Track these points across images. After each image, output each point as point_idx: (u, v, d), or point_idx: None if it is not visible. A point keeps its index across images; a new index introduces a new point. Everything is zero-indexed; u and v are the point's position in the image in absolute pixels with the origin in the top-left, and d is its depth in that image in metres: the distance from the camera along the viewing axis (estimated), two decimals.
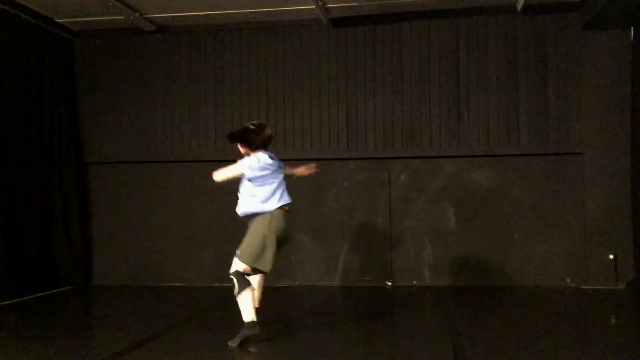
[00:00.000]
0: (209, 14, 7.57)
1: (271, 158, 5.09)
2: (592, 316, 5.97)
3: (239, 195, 5.16)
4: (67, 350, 4.76)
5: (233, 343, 4.84)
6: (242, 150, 5.23)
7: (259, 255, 4.91)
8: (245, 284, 4.91)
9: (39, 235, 7.38)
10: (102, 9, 7.25)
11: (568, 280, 7.38)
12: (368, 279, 7.70)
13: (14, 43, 7.04)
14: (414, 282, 7.63)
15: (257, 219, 5.00)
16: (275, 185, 5.05)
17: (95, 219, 8.22)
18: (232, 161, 8.04)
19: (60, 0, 7.12)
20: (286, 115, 7.86)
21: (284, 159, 7.72)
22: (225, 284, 7.83)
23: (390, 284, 7.64)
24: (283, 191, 5.10)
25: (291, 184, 7.73)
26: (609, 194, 7.23)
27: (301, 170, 5.62)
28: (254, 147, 5.10)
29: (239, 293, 4.90)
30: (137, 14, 7.43)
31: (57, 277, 7.66)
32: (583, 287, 7.24)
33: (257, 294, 5.24)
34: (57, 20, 7.77)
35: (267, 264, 4.93)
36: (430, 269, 7.62)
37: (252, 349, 4.85)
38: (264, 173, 5.00)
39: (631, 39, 7.13)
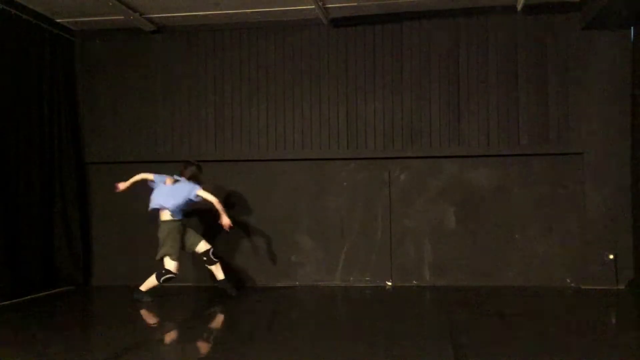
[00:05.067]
0: (209, 14, 7.57)
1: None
2: (592, 316, 5.97)
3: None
4: (67, 350, 4.76)
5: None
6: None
7: None
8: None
9: (39, 235, 7.38)
10: (102, 9, 7.26)
11: (568, 280, 7.38)
12: (368, 279, 7.70)
13: (14, 43, 7.03)
14: (414, 282, 7.63)
15: None
16: None
17: (95, 219, 8.22)
18: (232, 161, 8.13)
19: (60, 0, 7.12)
20: (286, 115, 7.86)
21: (284, 159, 7.82)
22: None
23: (390, 284, 7.64)
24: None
25: (290, 183, 7.77)
26: (609, 194, 7.23)
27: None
28: None
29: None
30: (137, 14, 7.44)
31: (57, 277, 7.67)
32: (583, 287, 7.24)
33: None
34: (57, 20, 7.77)
35: None
36: (430, 269, 7.62)
37: (252, 349, 4.84)
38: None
39: (631, 39, 7.13)
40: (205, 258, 6.96)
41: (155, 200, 6.85)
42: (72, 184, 7.89)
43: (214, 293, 7.38)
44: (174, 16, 7.66)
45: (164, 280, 6.70)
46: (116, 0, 6.98)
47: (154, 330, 5.34)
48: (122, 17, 7.50)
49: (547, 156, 7.46)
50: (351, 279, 7.73)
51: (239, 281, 7.83)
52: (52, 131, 7.67)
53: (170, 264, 6.68)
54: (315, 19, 7.56)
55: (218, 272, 7.03)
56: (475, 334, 5.06)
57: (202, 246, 6.97)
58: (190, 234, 7.00)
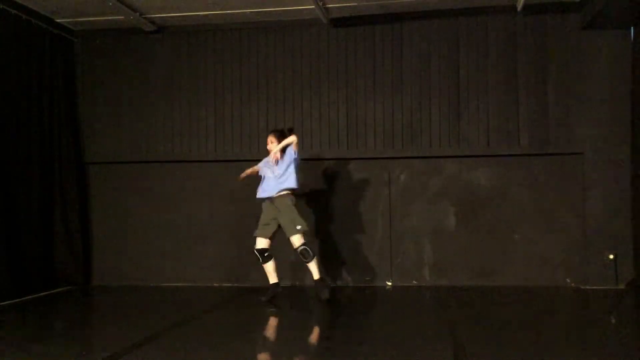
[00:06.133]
0: (209, 14, 7.57)
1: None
2: (592, 316, 5.97)
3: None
4: (67, 350, 4.76)
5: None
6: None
7: None
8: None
9: (39, 235, 7.38)
10: (102, 9, 7.26)
11: (568, 280, 7.38)
12: (368, 278, 7.70)
13: (14, 43, 7.04)
14: (414, 282, 7.64)
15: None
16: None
17: (95, 219, 8.22)
18: (232, 161, 8.12)
19: (60, 0, 7.12)
20: (286, 115, 7.86)
21: None
22: (224, 284, 7.84)
23: (390, 284, 7.64)
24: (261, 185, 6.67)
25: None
26: (609, 194, 7.23)
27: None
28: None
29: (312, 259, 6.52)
30: (137, 14, 7.44)
31: (57, 277, 7.66)
32: (583, 287, 7.24)
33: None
34: (57, 20, 7.77)
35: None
36: (430, 269, 7.62)
37: (250, 350, 4.85)
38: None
39: (631, 39, 7.13)
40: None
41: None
42: (72, 184, 7.89)
43: (215, 293, 7.39)
44: (174, 16, 7.66)
45: (306, 253, 6.43)
46: (116, 0, 6.98)
47: (153, 330, 5.34)
48: (122, 17, 7.50)
49: (547, 156, 7.46)
50: (351, 279, 7.73)
51: (237, 280, 7.85)
52: (52, 131, 7.67)
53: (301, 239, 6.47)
54: (315, 19, 7.56)
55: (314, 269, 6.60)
56: (475, 334, 5.06)
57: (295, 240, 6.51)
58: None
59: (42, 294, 7.23)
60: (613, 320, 5.98)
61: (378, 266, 7.69)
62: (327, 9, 7.28)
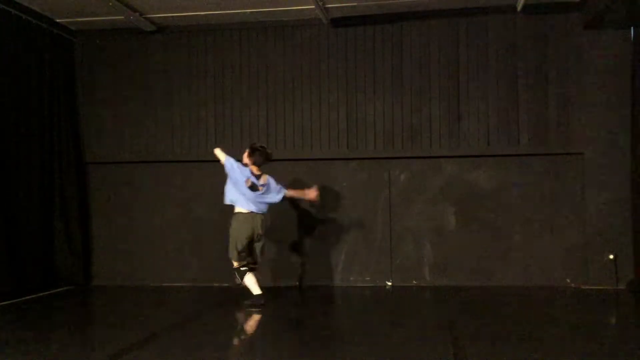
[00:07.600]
0: (209, 14, 7.58)
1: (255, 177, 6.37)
2: (592, 316, 5.97)
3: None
4: (67, 350, 4.76)
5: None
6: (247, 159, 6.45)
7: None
8: (242, 274, 6.35)
9: (39, 235, 7.38)
10: (102, 9, 7.26)
11: (568, 280, 7.38)
12: (368, 278, 7.70)
13: (14, 43, 7.04)
14: (414, 282, 7.63)
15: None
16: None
17: (95, 219, 8.22)
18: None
19: (60, 0, 7.12)
20: (286, 115, 7.86)
21: (284, 159, 7.79)
22: (224, 284, 7.84)
23: (390, 284, 7.64)
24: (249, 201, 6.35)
25: (290, 183, 7.74)
26: (609, 194, 7.23)
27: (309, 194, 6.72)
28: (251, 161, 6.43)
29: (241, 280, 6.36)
30: (137, 14, 7.44)
31: (57, 277, 7.67)
32: (583, 287, 7.24)
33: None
34: (57, 20, 7.77)
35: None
36: (430, 269, 7.62)
37: (250, 350, 4.85)
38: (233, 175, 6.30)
39: (631, 39, 7.12)
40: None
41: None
42: (72, 184, 7.89)
43: (215, 293, 7.39)
44: (174, 16, 7.66)
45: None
46: (116, 0, 6.98)
47: (153, 330, 5.34)
48: (122, 17, 7.50)
49: (547, 156, 7.46)
50: (351, 279, 7.73)
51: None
52: (52, 131, 7.67)
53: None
54: (315, 19, 7.56)
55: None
56: (475, 334, 5.05)
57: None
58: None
59: (42, 294, 7.23)
60: (613, 320, 5.98)
61: (378, 266, 7.69)
62: (327, 9, 7.28)
